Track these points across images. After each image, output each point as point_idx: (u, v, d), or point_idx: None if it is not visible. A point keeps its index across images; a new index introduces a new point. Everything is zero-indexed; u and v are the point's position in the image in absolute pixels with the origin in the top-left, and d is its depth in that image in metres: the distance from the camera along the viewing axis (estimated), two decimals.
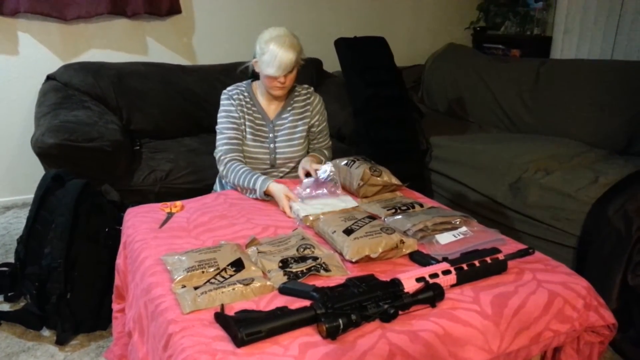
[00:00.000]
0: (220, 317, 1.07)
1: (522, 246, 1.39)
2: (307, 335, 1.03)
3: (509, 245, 1.41)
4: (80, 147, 2.22)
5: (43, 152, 2.19)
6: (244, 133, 1.99)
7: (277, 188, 1.76)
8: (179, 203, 1.75)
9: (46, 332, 1.94)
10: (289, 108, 2.04)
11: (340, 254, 1.36)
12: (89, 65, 2.90)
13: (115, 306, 1.70)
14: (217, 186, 2.15)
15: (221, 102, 2.02)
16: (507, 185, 2.36)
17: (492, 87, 3.27)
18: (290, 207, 1.68)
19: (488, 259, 1.25)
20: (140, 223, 1.61)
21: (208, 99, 3.02)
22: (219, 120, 1.99)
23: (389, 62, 2.90)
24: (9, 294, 2.12)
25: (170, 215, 1.67)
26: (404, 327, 1.07)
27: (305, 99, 2.06)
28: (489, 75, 3.33)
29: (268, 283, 1.21)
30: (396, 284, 1.13)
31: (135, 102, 2.87)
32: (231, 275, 1.23)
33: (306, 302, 1.10)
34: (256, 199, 1.80)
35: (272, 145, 2.02)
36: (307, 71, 3.38)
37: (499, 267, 1.27)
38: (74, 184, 1.98)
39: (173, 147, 2.75)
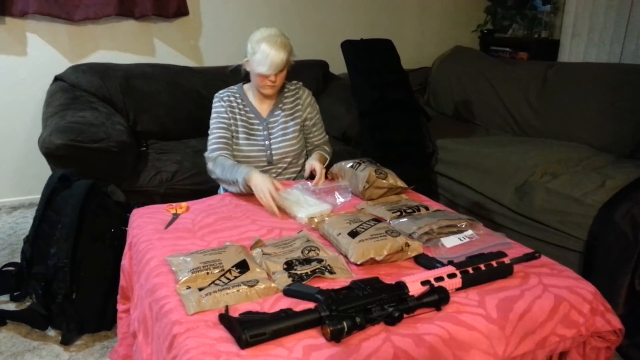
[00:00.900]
0: (225, 319, 1.07)
1: (528, 250, 1.39)
2: (311, 338, 1.03)
3: (515, 249, 1.41)
4: (87, 148, 2.23)
5: (50, 152, 2.21)
6: (237, 134, 2.01)
7: (259, 179, 1.73)
8: (184, 204, 1.75)
9: (51, 332, 1.95)
10: (280, 105, 2.06)
11: (345, 257, 1.36)
12: (97, 66, 2.92)
13: (120, 307, 1.70)
14: (222, 188, 2.16)
15: (213, 105, 2.05)
16: (514, 188, 2.35)
17: (499, 90, 3.26)
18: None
19: (494, 263, 1.24)
20: (145, 224, 1.61)
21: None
22: (210, 123, 2.02)
23: (396, 64, 2.89)
24: (15, 294, 2.13)
25: (175, 216, 1.67)
26: (408, 330, 1.06)
27: (295, 94, 2.09)
28: (496, 78, 3.31)
29: (273, 285, 1.21)
30: (401, 287, 1.13)
31: (142, 104, 2.88)
32: (236, 277, 1.23)
33: (310, 305, 1.10)
34: (241, 192, 1.80)
35: (267, 143, 2.03)
36: (314, 73, 3.39)
37: (505, 271, 1.26)
38: (80, 184, 1.99)
39: (179, 148, 2.76)
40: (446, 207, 1.73)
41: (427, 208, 1.64)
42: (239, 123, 2.02)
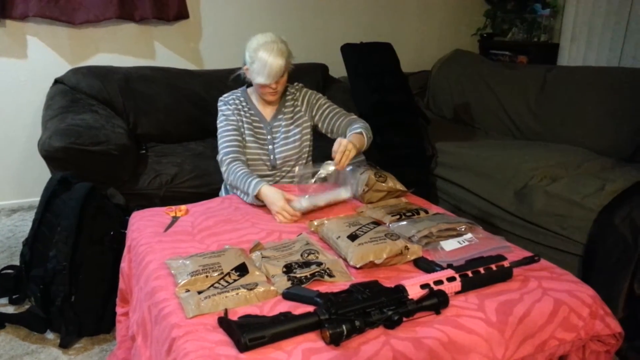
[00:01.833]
0: (224, 322, 1.07)
1: (527, 253, 1.39)
2: (311, 341, 1.02)
3: (515, 253, 1.41)
4: (86, 151, 2.23)
5: (50, 155, 2.21)
6: (244, 136, 2.01)
7: (270, 190, 1.73)
8: (183, 207, 1.75)
9: (50, 335, 1.95)
10: (282, 109, 2.06)
11: (345, 260, 1.36)
12: (97, 69, 2.92)
13: (119, 310, 1.70)
14: (222, 191, 2.16)
15: (219, 109, 2.05)
16: (513, 192, 2.35)
17: (499, 93, 3.26)
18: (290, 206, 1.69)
19: (493, 266, 1.24)
20: (145, 227, 1.61)
21: (214, 103, 2.98)
22: (218, 126, 2.01)
23: (395, 68, 2.90)
24: (14, 297, 2.13)
25: (175, 219, 1.67)
26: (408, 334, 1.06)
27: (293, 97, 2.08)
28: (496, 81, 3.32)
29: (272, 288, 1.21)
30: (400, 290, 1.13)
31: (142, 106, 2.88)
32: (235, 280, 1.23)
33: (310, 308, 1.10)
34: (251, 204, 1.79)
35: (270, 147, 2.03)
36: (314, 76, 3.39)
37: (504, 275, 1.26)
38: (79, 187, 1.99)
39: (179, 151, 2.76)
40: (446, 211, 1.73)
41: (426, 211, 1.65)
42: (245, 126, 2.01)
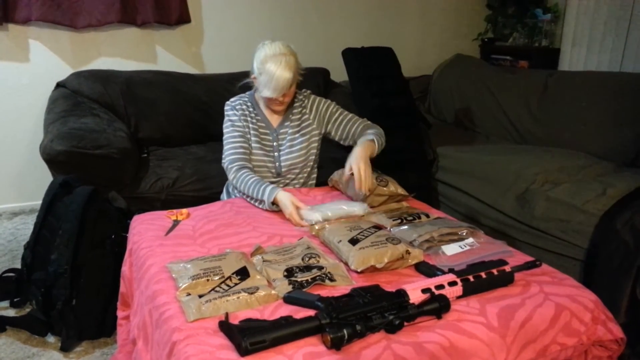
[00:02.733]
0: (225, 326, 1.06)
1: (529, 258, 1.39)
2: (312, 345, 1.02)
3: (516, 257, 1.40)
4: (88, 154, 2.23)
5: (51, 158, 2.21)
6: (250, 142, 2.00)
7: (283, 196, 1.74)
8: (185, 211, 1.75)
9: (51, 339, 1.95)
10: (290, 116, 2.04)
11: (346, 264, 1.36)
12: (99, 73, 2.93)
13: (120, 313, 1.70)
14: (224, 195, 2.16)
15: (225, 114, 2.03)
16: (514, 196, 2.35)
17: (500, 98, 3.26)
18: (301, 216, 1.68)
19: (494, 271, 1.24)
20: (146, 230, 1.61)
21: (216, 107, 3.04)
22: (224, 131, 2.00)
23: (397, 72, 2.90)
24: (15, 300, 2.13)
25: (176, 222, 1.67)
26: (409, 338, 1.06)
27: (301, 105, 2.06)
28: (497, 86, 3.32)
29: (273, 292, 1.20)
30: (402, 294, 1.12)
31: (144, 110, 2.89)
32: (236, 284, 1.23)
33: (311, 312, 1.09)
34: (266, 209, 1.80)
35: (276, 154, 2.02)
36: (315, 80, 3.39)
37: (506, 279, 1.26)
38: (81, 190, 1.99)
39: (180, 155, 2.76)
40: (447, 215, 1.73)
41: (427, 215, 1.64)
42: (252, 132, 2.00)
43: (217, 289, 1.21)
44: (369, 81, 2.80)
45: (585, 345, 1.21)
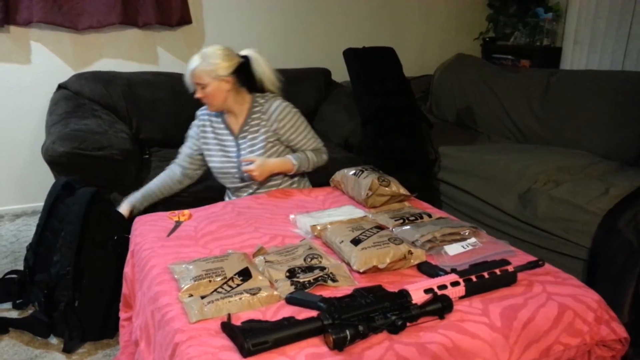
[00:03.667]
0: (227, 327, 1.06)
1: (531, 258, 1.38)
2: (314, 346, 1.02)
3: (519, 257, 1.40)
4: (90, 156, 2.23)
5: (53, 160, 2.21)
6: (210, 152, 2.09)
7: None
8: (187, 212, 1.75)
9: (53, 340, 1.95)
10: (249, 120, 2.06)
11: (348, 264, 1.36)
12: (100, 74, 2.93)
13: (122, 314, 1.70)
14: (226, 196, 2.16)
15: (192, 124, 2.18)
16: (517, 196, 2.34)
17: (502, 97, 3.26)
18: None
19: (497, 271, 1.24)
20: (148, 231, 1.61)
21: None
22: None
23: (398, 72, 2.90)
24: (17, 301, 2.13)
25: (178, 223, 1.67)
26: (411, 339, 1.06)
27: (260, 109, 2.06)
28: (498, 85, 3.32)
29: (275, 293, 1.20)
30: (404, 295, 1.12)
31: (145, 111, 2.89)
32: (238, 285, 1.23)
33: (313, 313, 1.09)
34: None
35: (238, 160, 2.06)
36: (316, 81, 3.40)
37: (508, 279, 1.25)
38: (83, 192, 1.99)
39: None
40: (449, 215, 1.72)
41: (430, 215, 1.64)
42: (212, 141, 2.08)
43: (220, 290, 1.21)
44: (370, 81, 2.79)
45: (588, 345, 1.20)
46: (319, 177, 2.47)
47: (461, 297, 1.19)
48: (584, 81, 2.88)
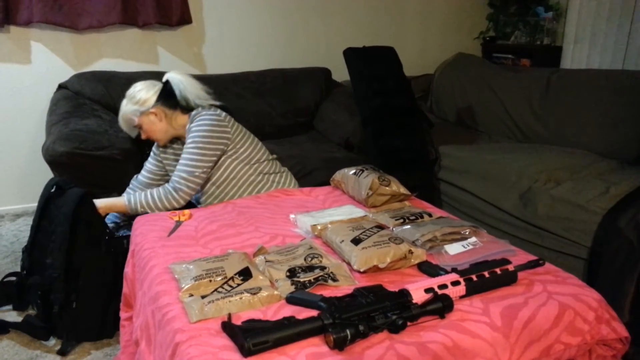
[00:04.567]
0: (227, 327, 1.06)
1: (532, 257, 1.38)
2: (315, 346, 1.02)
3: (519, 256, 1.40)
4: (90, 156, 2.23)
5: (54, 160, 2.21)
6: (171, 167, 2.14)
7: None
8: (187, 211, 1.75)
9: (53, 341, 1.95)
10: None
11: (348, 264, 1.35)
12: (100, 74, 2.93)
13: (122, 314, 1.70)
14: None
15: None
16: (517, 195, 2.34)
17: (502, 96, 3.26)
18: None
19: (498, 270, 1.24)
20: (148, 231, 1.61)
21: None
22: None
23: (398, 71, 2.90)
24: (18, 303, 2.13)
25: (178, 223, 1.67)
26: (412, 338, 1.06)
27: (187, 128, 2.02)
28: (499, 84, 3.32)
29: (275, 292, 1.20)
30: (404, 294, 1.12)
31: None
32: (238, 284, 1.23)
33: (313, 312, 1.09)
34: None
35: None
36: (316, 80, 3.40)
37: (509, 279, 1.25)
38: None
39: None
40: (449, 214, 1.72)
41: (430, 215, 1.64)
42: (173, 166, 2.13)
43: (220, 289, 1.21)
44: (370, 81, 2.79)
45: (589, 345, 1.20)
46: (320, 177, 2.48)
47: (462, 297, 1.19)
48: (584, 80, 2.87)
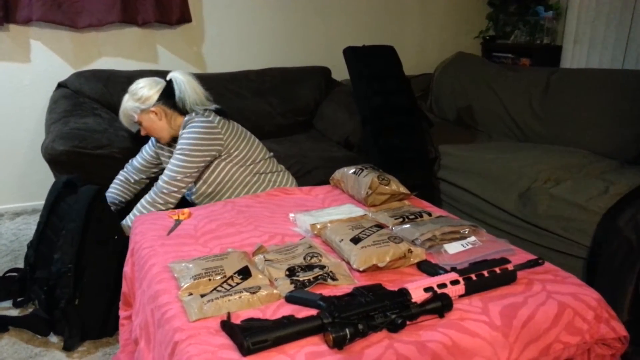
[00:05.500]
0: (227, 326, 1.06)
1: (531, 256, 1.38)
2: (314, 345, 1.02)
3: (519, 256, 1.40)
4: (90, 154, 2.23)
5: (53, 158, 2.21)
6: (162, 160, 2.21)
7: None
8: (186, 210, 1.75)
9: (54, 338, 1.95)
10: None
11: (348, 263, 1.36)
12: (100, 73, 2.93)
13: (122, 313, 1.70)
14: None
15: None
16: (517, 194, 2.34)
17: (502, 96, 3.26)
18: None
19: (497, 269, 1.24)
20: (148, 230, 1.61)
21: None
22: None
23: (398, 71, 2.89)
24: (18, 300, 2.13)
25: (178, 222, 1.67)
26: (411, 337, 1.06)
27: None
28: (499, 84, 3.31)
29: (275, 291, 1.20)
30: (404, 293, 1.12)
31: None
32: (238, 283, 1.23)
33: (313, 311, 1.09)
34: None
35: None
36: (316, 79, 3.40)
37: (508, 278, 1.25)
38: (86, 190, 1.98)
39: None
40: (449, 214, 1.72)
41: (429, 214, 1.64)
42: (166, 154, 2.18)
43: (219, 288, 1.21)
44: (370, 80, 2.79)
45: (588, 344, 1.20)
46: (319, 176, 2.47)
47: (461, 296, 1.19)
48: (584, 80, 2.87)
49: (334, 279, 1.26)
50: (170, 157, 2.14)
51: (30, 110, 3.05)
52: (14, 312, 2.10)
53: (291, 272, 1.29)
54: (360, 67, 2.81)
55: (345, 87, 3.43)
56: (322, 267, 1.31)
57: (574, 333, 1.18)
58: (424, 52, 4.20)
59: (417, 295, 1.12)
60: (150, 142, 2.26)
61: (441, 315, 1.12)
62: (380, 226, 1.49)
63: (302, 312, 1.11)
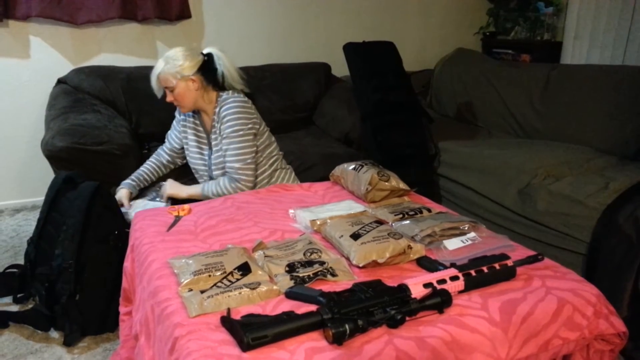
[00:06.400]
0: (227, 321, 1.06)
1: (531, 252, 1.38)
2: (314, 341, 1.02)
3: (518, 252, 1.40)
4: (89, 151, 2.23)
5: (53, 155, 2.21)
6: (189, 147, 2.21)
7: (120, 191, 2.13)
8: (186, 206, 1.75)
9: (54, 334, 1.95)
10: (214, 117, 2.11)
11: (348, 259, 1.36)
12: (99, 69, 2.93)
13: (122, 309, 1.70)
14: None
15: None
16: (516, 191, 2.35)
17: (502, 92, 3.26)
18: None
19: (496, 265, 1.24)
20: (148, 226, 1.61)
21: None
22: None
23: (398, 67, 2.89)
24: (18, 295, 2.13)
25: (178, 218, 1.67)
26: (411, 333, 1.06)
27: (219, 109, 2.08)
28: (499, 80, 3.31)
29: (274, 287, 1.20)
30: (403, 289, 1.12)
31: (145, 106, 2.88)
32: (238, 279, 1.23)
33: (313, 307, 1.09)
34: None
35: (207, 157, 2.15)
36: (316, 75, 3.39)
37: (508, 274, 1.25)
38: (86, 186, 1.99)
39: None
40: (449, 209, 1.72)
41: (429, 210, 1.64)
42: (191, 137, 2.17)
43: (219, 284, 1.21)
44: (370, 76, 2.79)
45: (587, 340, 1.21)
46: (319, 172, 2.47)
47: (460, 292, 1.19)
48: (584, 76, 2.87)
49: (333, 275, 1.26)
50: (195, 134, 2.18)
51: (30, 106, 3.05)
52: (15, 308, 2.11)
53: (291, 268, 1.29)
54: (360, 63, 2.81)
55: (345, 83, 3.42)
56: (322, 263, 1.31)
57: (573, 329, 1.18)
58: (424, 48, 4.19)
59: (417, 291, 1.13)
60: (172, 128, 2.29)
61: (441, 311, 1.12)
62: (380, 222, 1.49)
63: (302, 308, 1.12)
